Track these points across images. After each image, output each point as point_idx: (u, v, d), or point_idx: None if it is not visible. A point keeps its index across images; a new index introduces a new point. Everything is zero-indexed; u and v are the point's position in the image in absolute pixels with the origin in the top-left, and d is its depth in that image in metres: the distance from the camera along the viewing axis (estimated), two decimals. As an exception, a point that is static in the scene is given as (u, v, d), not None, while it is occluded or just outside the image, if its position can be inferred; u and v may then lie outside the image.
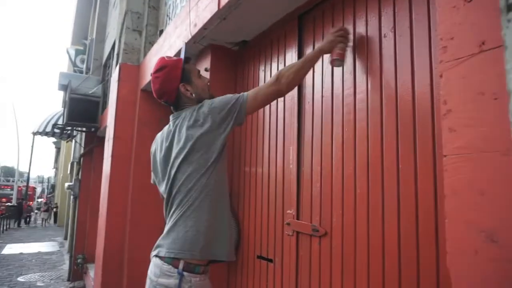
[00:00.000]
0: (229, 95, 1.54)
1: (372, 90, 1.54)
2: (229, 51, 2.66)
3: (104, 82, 6.77)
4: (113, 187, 3.87)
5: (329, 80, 1.79)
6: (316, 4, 1.93)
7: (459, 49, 0.82)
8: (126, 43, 4.20)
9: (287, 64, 2.12)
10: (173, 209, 1.50)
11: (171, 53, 2.89)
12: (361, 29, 1.64)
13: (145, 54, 4.07)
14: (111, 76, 5.28)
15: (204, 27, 2.36)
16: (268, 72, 2.32)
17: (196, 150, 1.45)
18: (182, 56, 1.61)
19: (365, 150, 1.53)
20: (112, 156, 3.90)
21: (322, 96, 1.83)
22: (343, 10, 1.77)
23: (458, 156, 0.79)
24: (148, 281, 1.46)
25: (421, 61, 1.34)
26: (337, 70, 1.74)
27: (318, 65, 1.87)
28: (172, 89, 1.56)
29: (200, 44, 2.63)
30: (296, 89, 1.98)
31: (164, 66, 1.57)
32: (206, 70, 2.59)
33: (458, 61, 0.82)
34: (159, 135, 1.71)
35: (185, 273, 1.38)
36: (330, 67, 1.78)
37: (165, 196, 1.57)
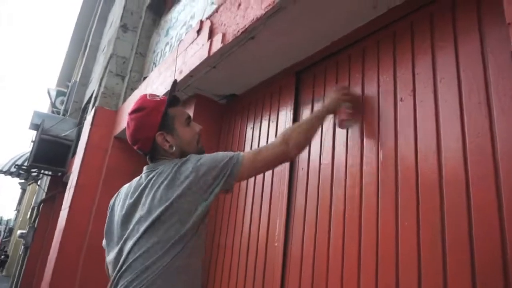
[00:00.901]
0: (221, 153, 1.20)
1: (384, 161, 1.27)
2: (215, 103, 2.41)
3: (81, 126, 6.41)
4: (65, 243, 3.36)
5: (330, 145, 1.52)
6: (318, 60, 1.72)
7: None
8: (106, 87, 3.94)
9: (279, 124, 1.87)
10: None
11: (151, 100, 2.62)
12: (371, 90, 1.42)
13: (124, 100, 3.80)
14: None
15: (191, 75, 2.12)
16: (257, 130, 2.04)
17: (167, 217, 1.08)
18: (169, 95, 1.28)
19: (374, 235, 1.22)
20: (70, 207, 3.43)
21: (319, 164, 1.55)
22: (349, 68, 1.56)
23: None
24: None
25: (451, 132, 1.09)
26: (340, 136, 1.48)
27: (316, 127, 1.62)
28: (146, 137, 1.22)
29: (184, 93, 2.38)
30: (288, 152, 1.71)
31: (142, 108, 1.23)
32: (187, 121, 2.31)
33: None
34: (124, 187, 1.33)
35: None
36: (331, 130, 1.53)
37: (110, 267, 1.18)
